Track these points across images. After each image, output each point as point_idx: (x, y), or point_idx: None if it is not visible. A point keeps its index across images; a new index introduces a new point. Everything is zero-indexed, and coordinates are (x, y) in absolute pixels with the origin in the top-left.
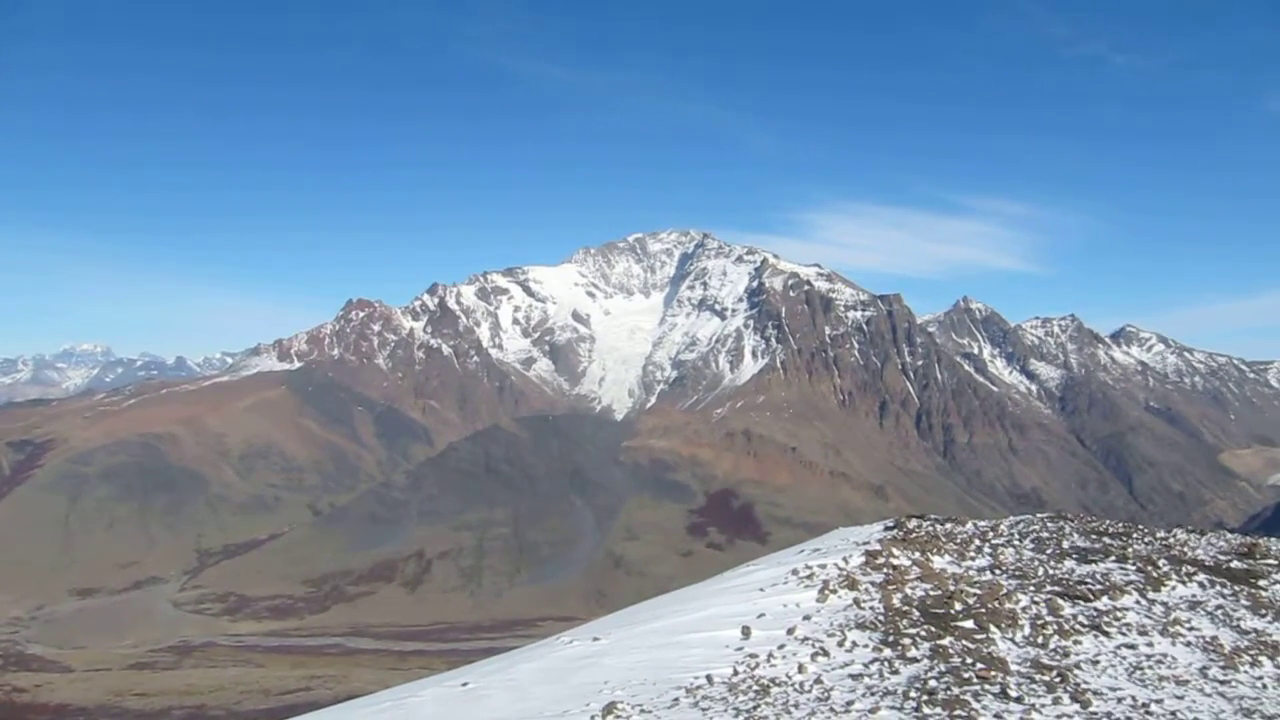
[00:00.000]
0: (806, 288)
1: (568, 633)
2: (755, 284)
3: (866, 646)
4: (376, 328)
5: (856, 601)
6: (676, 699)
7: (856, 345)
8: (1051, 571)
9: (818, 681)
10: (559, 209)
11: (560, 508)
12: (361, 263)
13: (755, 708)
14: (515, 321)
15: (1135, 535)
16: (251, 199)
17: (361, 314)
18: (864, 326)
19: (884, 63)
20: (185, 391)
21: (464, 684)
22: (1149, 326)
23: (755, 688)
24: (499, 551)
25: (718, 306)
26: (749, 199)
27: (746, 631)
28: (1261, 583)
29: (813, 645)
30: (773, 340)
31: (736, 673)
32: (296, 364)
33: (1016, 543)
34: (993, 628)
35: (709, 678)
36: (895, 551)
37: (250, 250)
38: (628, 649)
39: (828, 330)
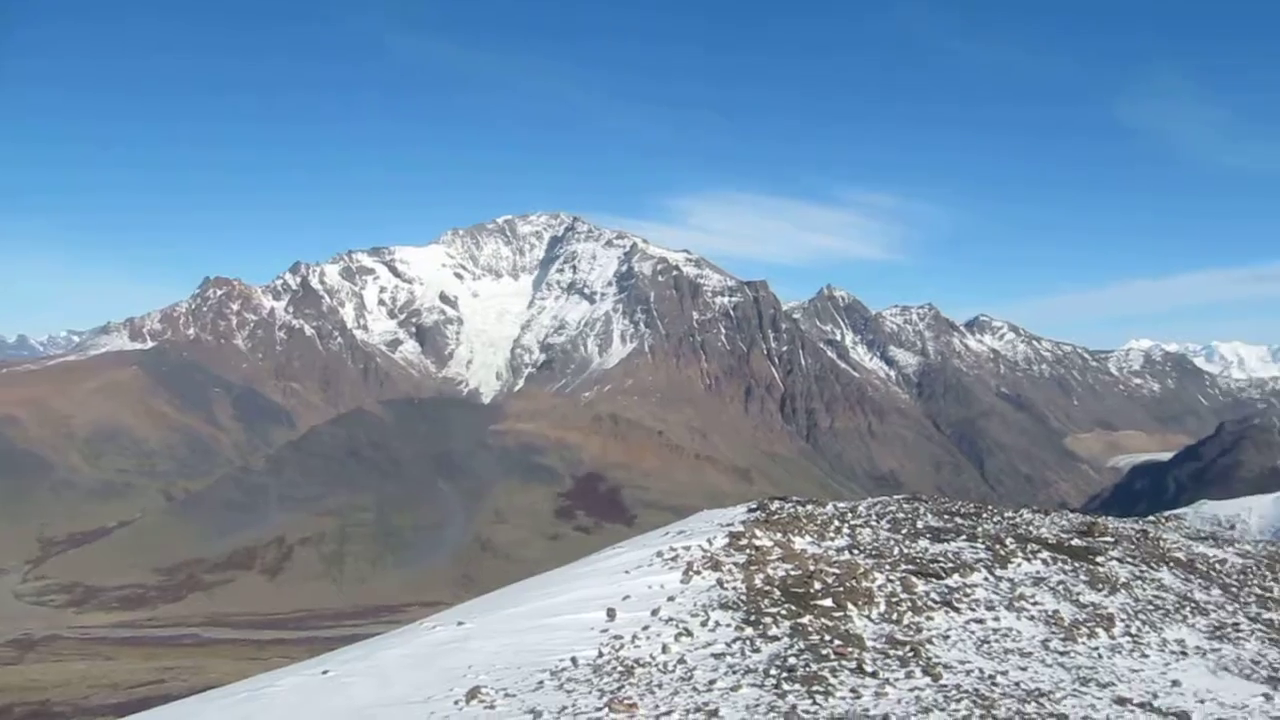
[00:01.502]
0: (675, 273)
1: (432, 618)
2: (625, 268)
3: (729, 626)
4: (235, 307)
5: (720, 582)
6: (541, 682)
7: (724, 331)
8: (906, 550)
9: (681, 661)
10: (428, 189)
11: (426, 492)
12: (220, 239)
13: (619, 688)
14: (381, 302)
15: (985, 515)
16: (102, 168)
17: (219, 292)
18: (731, 312)
19: (755, 51)
20: (27, 371)
21: (324, 672)
22: (1001, 316)
23: (620, 669)
24: (363, 537)
25: (587, 290)
26: (621, 183)
27: (612, 613)
28: (1099, 559)
29: (677, 626)
30: (641, 325)
31: (601, 654)
32: (149, 344)
33: (874, 523)
34: (850, 606)
35: (574, 660)
36: (758, 533)
37: (100, 223)
38: (493, 633)
39: (696, 315)
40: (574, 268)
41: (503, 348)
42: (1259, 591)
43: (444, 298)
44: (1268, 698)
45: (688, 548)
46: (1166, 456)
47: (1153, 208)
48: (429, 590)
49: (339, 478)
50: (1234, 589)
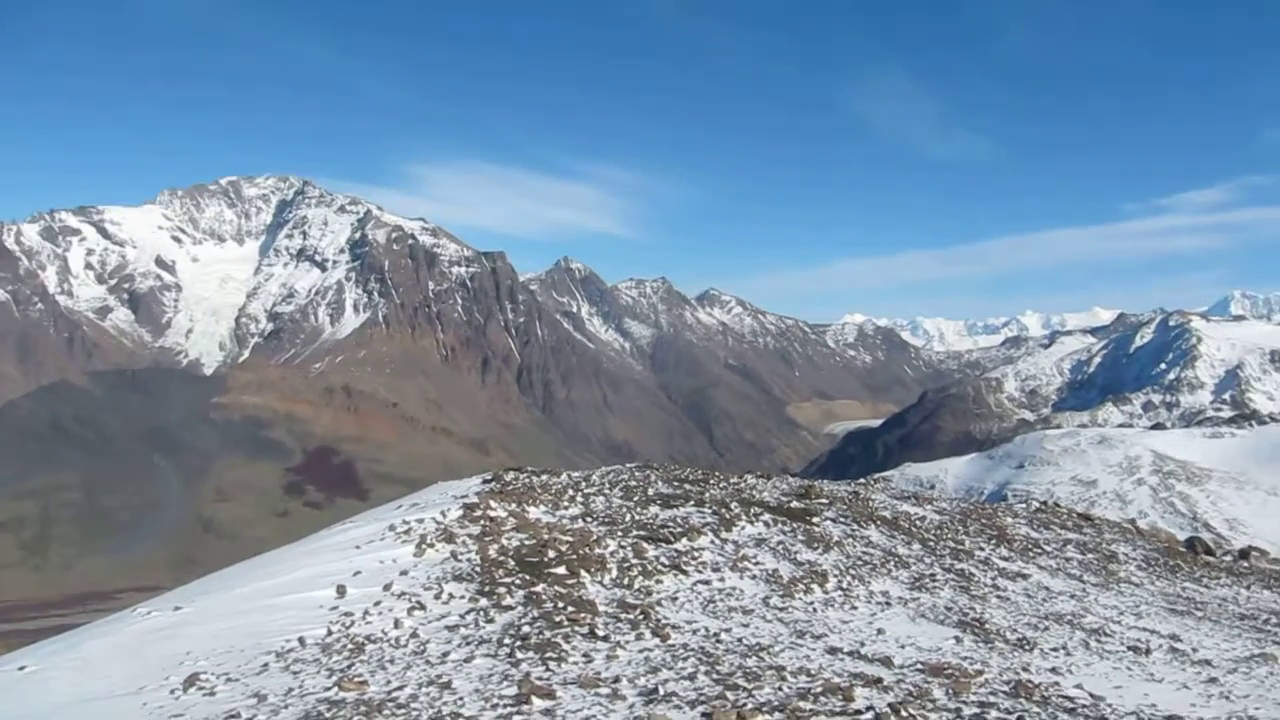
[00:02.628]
0: (411, 242)
1: (146, 603)
2: (358, 235)
3: (463, 598)
4: None
5: (454, 554)
6: (266, 664)
7: (460, 301)
8: (638, 517)
9: (414, 635)
10: (141, 146)
11: (141, 470)
12: None
13: (350, 666)
14: (88, 266)
15: (712, 481)
16: None
17: None
18: (468, 283)
19: (499, 19)
20: None
21: (21, 668)
22: (731, 291)
23: (350, 646)
24: (68, 520)
25: (318, 257)
26: (354, 148)
27: (342, 590)
28: (814, 519)
29: (409, 600)
30: (375, 294)
31: (331, 633)
32: None
33: (607, 491)
34: (583, 572)
35: (301, 640)
36: (493, 504)
37: None
38: (213, 617)
39: (432, 286)
40: (304, 234)
41: (226, 316)
42: (953, 544)
43: (160, 262)
44: (958, 640)
45: (421, 520)
46: (877, 423)
47: (868, 193)
48: (145, 575)
49: (40, 456)
50: (932, 543)
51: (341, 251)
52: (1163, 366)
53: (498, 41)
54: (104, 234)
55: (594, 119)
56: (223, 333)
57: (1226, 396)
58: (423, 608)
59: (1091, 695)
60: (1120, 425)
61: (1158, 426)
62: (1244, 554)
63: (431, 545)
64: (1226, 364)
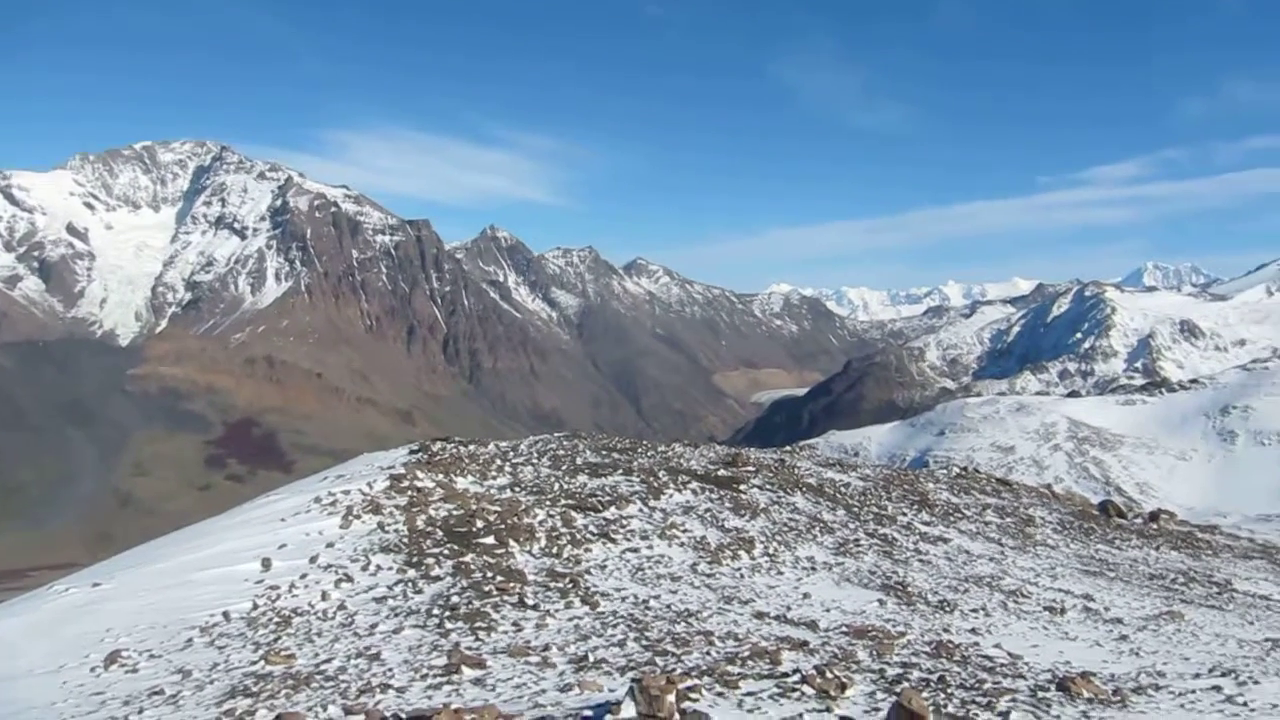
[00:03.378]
0: (334, 209)
1: (63, 580)
2: (279, 203)
3: (391, 569)
4: None
5: (381, 525)
6: (190, 639)
7: (385, 270)
8: (566, 486)
9: (341, 608)
10: (51, 109)
11: (54, 443)
12: None
13: (276, 639)
14: None
15: (640, 450)
16: None
17: None
18: (393, 251)
19: None
20: None
21: None
22: (658, 260)
23: (276, 620)
24: None
25: (238, 225)
26: (274, 114)
27: (267, 563)
28: (741, 487)
29: (336, 572)
30: (298, 263)
31: (256, 606)
32: None
33: (535, 461)
34: (512, 542)
35: (226, 614)
36: (420, 474)
37: None
38: (134, 592)
39: (355, 254)
40: (223, 201)
41: (143, 286)
42: (876, 510)
43: (72, 230)
44: (881, 603)
45: (347, 492)
46: (802, 392)
47: (796, 163)
48: (59, 551)
49: None
50: (856, 509)
51: (262, 219)
52: (1079, 336)
53: (420, 7)
54: (11, 200)
55: (520, 86)
56: (139, 302)
57: (1139, 365)
58: (350, 580)
59: (1009, 654)
60: (1038, 393)
61: (1073, 394)
62: (1153, 517)
63: (358, 517)
64: (1139, 333)
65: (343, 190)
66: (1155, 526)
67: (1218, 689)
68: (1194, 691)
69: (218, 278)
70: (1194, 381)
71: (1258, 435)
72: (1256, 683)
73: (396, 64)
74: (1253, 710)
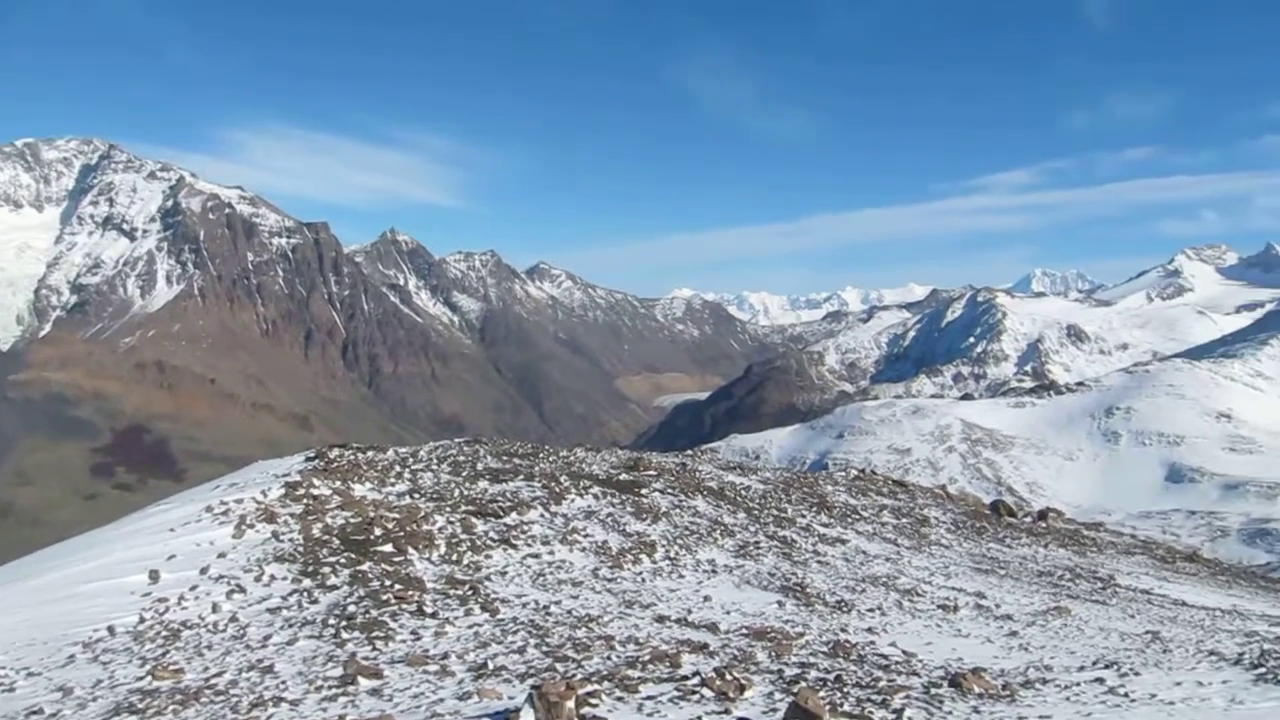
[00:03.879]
0: (228, 210)
1: None
2: (170, 203)
3: (285, 579)
4: None
5: (275, 534)
6: (73, 655)
7: (282, 273)
8: (467, 492)
9: (233, 619)
10: None
11: None
12: None
13: (164, 654)
14: None
15: (542, 455)
16: None
17: None
18: (290, 254)
19: None
20: None
21: None
22: (560, 264)
23: (164, 633)
24: None
25: (127, 226)
26: (164, 112)
27: (155, 575)
28: (643, 491)
29: (228, 583)
30: (190, 265)
31: (143, 620)
32: None
33: (435, 467)
34: (411, 549)
35: (111, 629)
36: (316, 482)
37: None
38: (12, 608)
39: (251, 256)
40: (111, 201)
41: (24, 288)
42: (776, 513)
43: None
44: (780, 604)
45: (240, 500)
46: (704, 396)
47: (697, 168)
48: None
49: None
50: (756, 512)
51: (152, 220)
52: (971, 340)
53: (310, 6)
54: None
55: (418, 87)
56: (20, 305)
57: (1028, 368)
58: (242, 590)
59: (904, 652)
60: (932, 396)
61: (966, 397)
62: (1042, 515)
63: (251, 526)
64: (1028, 337)
65: (237, 191)
66: (1044, 525)
67: (1101, 681)
68: (1079, 684)
69: (105, 280)
70: (1080, 384)
71: (1139, 435)
72: (1137, 674)
73: (288, 63)
74: (1133, 700)
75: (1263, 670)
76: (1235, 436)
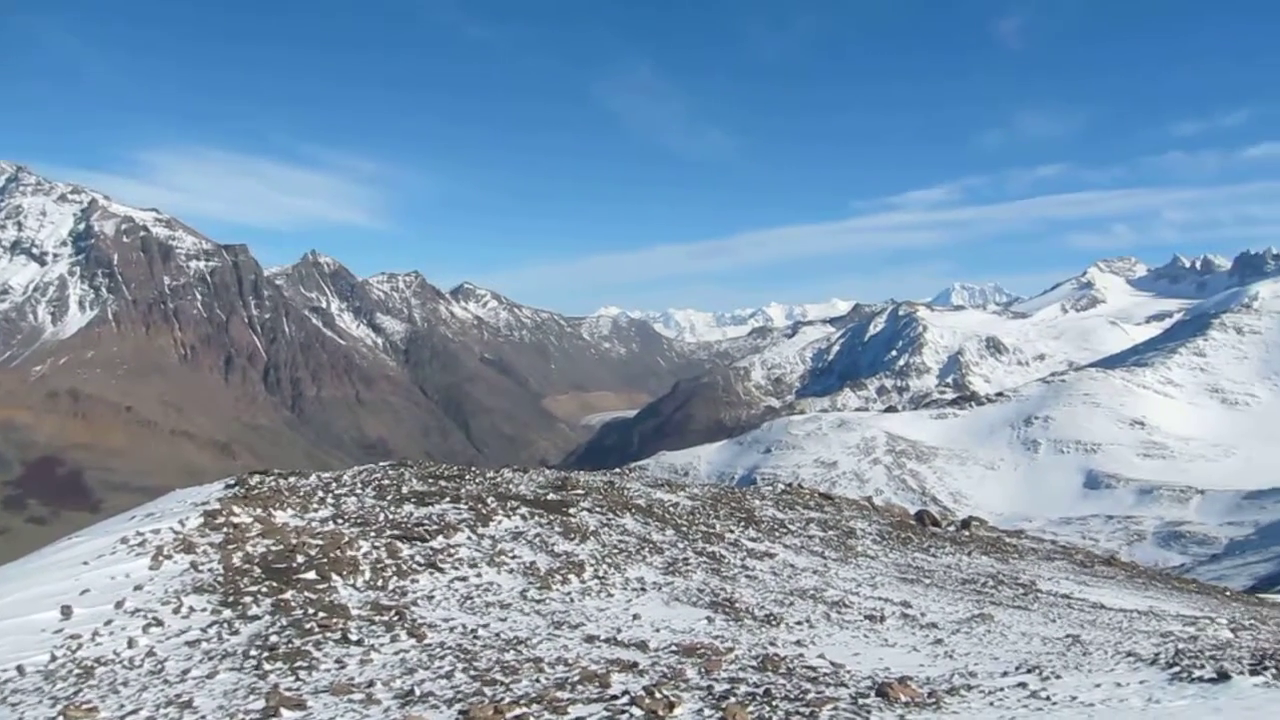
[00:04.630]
0: (143, 233)
1: None
2: (83, 227)
3: (205, 610)
4: None
5: (194, 565)
6: None
7: (200, 297)
8: (392, 516)
9: (150, 654)
10: None
11: None
12: None
13: (77, 692)
14: None
15: (469, 477)
16: None
17: None
18: (208, 277)
19: (226, 5)
20: None
21: None
22: (485, 284)
23: (77, 671)
24: None
25: (36, 250)
26: (76, 133)
27: (67, 611)
28: (571, 511)
29: (145, 617)
30: (104, 290)
31: (55, 658)
32: None
33: (359, 491)
34: (335, 576)
35: (20, 668)
36: (236, 509)
37: None
38: None
39: (168, 280)
40: (19, 224)
41: None
42: (704, 529)
43: None
44: (710, 620)
45: (157, 531)
46: (632, 413)
47: (621, 187)
48: None
49: None
50: (685, 528)
51: (63, 244)
52: (894, 353)
53: (235, 29)
54: None
55: (339, 109)
56: None
57: (950, 380)
58: (160, 624)
59: (832, 663)
60: (857, 409)
61: (890, 409)
62: (965, 524)
63: (169, 557)
64: (949, 350)
65: (153, 213)
66: (967, 533)
67: (1024, 685)
68: (1002, 689)
69: (14, 307)
70: (1000, 394)
71: (1057, 444)
72: (1058, 677)
73: (208, 83)
74: (1054, 704)
75: (1177, 669)
76: (1148, 442)
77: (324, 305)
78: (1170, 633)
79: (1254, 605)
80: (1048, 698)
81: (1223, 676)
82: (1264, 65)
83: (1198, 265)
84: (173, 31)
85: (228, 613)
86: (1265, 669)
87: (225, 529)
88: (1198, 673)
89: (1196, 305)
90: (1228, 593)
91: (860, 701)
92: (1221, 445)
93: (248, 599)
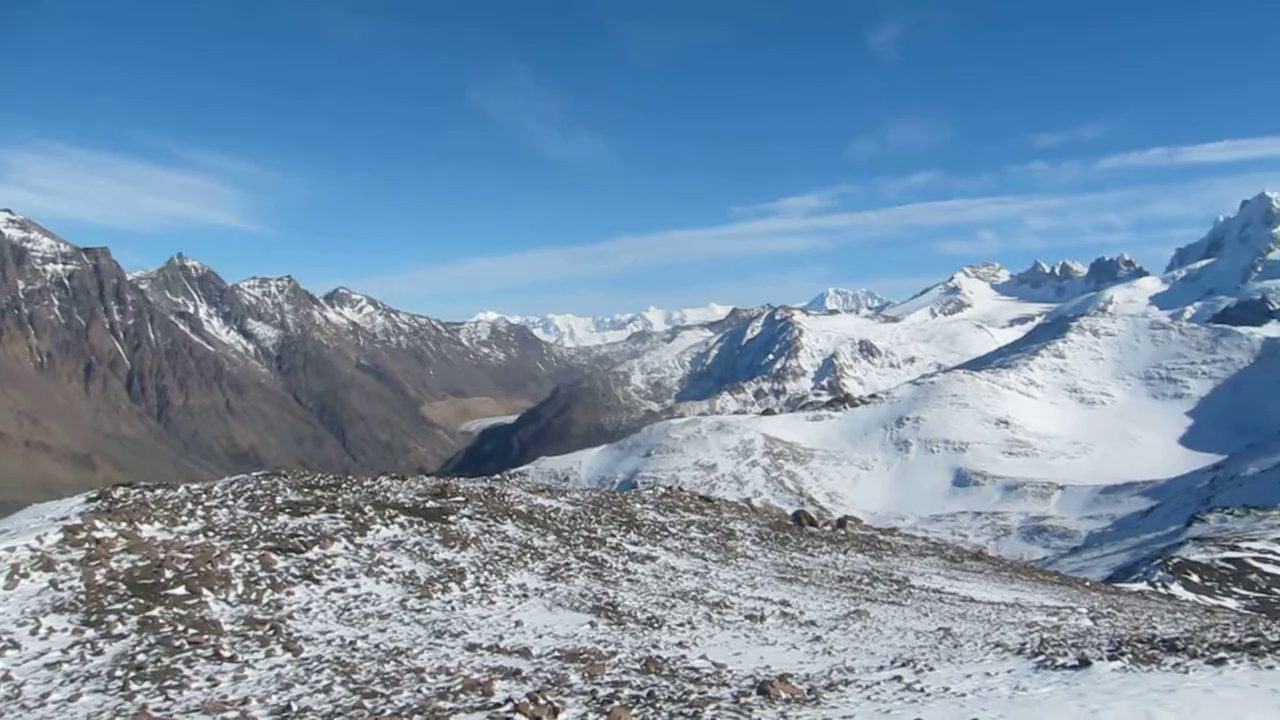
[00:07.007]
0: None
1: None
2: None
3: (66, 630)
4: None
5: (53, 583)
6: None
7: (57, 302)
8: (265, 528)
9: (6, 678)
10: None
11: None
12: None
13: None
14: None
15: (345, 486)
16: None
17: None
18: (66, 282)
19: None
20: None
21: None
22: (361, 289)
23: None
24: None
25: None
26: None
27: None
28: (451, 518)
29: (0, 639)
30: None
31: None
32: None
33: (231, 503)
34: (205, 591)
35: None
36: (99, 524)
37: None
38: None
39: (22, 285)
40: None
41: None
42: (586, 533)
43: None
44: (592, 625)
45: (12, 549)
46: (512, 419)
47: (497, 189)
48: None
49: None
50: (566, 533)
51: None
52: (771, 357)
53: (93, 18)
54: None
55: (209, 107)
56: None
57: (825, 382)
58: (16, 646)
59: (714, 664)
60: (736, 412)
61: (768, 412)
62: (841, 523)
63: (25, 575)
64: (824, 353)
65: (5, 214)
66: (843, 532)
67: (899, 679)
68: (879, 683)
69: None
70: (873, 396)
71: (927, 444)
72: (931, 669)
73: (67, 80)
74: (928, 695)
75: (1042, 658)
76: (1013, 441)
77: (191, 310)
78: (1035, 623)
79: (1111, 594)
80: (922, 690)
81: (1084, 663)
82: (1120, 79)
83: (1057, 271)
84: (34, 21)
85: (90, 632)
86: (1122, 654)
87: (87, 545)
88: (1061, 660)
89: (1056, 309)
90: (1087, 583)
91: (742, 700)
92: (1080, 442)
93: (112, 617)
